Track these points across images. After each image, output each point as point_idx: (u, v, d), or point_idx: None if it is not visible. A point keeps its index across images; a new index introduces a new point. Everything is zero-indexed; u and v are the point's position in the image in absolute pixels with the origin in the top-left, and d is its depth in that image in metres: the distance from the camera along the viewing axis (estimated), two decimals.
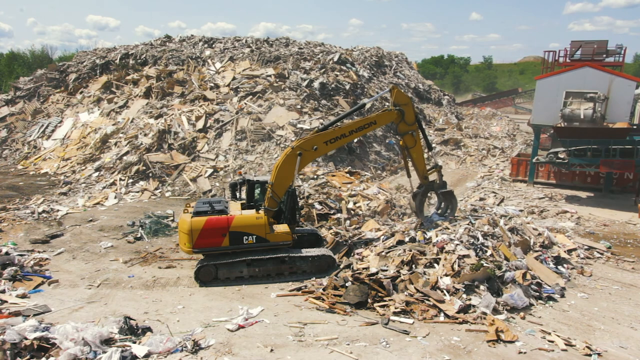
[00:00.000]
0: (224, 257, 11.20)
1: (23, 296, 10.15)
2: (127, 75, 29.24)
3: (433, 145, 29.05)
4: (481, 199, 18.83)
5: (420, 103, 37.33)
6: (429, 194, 14.15)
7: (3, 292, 10.16)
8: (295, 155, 11.46)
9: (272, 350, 8.18)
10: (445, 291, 10.01)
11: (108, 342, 7.97)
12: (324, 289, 10.59)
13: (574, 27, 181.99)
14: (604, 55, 23.16)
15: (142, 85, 27.57)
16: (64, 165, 22.71)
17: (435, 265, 10.88)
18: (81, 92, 29.31)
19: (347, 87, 26.73)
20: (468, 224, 12.44)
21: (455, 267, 10.55)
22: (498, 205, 17.52)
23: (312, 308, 9.91)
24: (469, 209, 15.13)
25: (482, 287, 10.06)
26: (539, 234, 13.01)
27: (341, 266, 11.71)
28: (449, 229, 12.30)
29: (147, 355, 7.78)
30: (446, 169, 25.99)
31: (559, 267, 11.79)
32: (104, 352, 7.55)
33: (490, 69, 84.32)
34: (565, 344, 8.52)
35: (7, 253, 11.77)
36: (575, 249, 12.99)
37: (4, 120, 28.13)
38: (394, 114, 12.41)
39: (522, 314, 9.61)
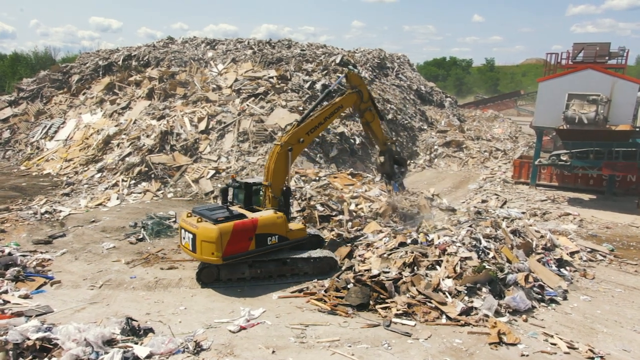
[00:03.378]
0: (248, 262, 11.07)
1: (25, 297, 10.17)
2: (129, 76, 29.32)
3: (435, 147, 29.09)
4: (483, 201, 18.81)
5: (422, 105, 37.34)
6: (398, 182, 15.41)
7: (6, 292, 10.18)
8: (286, 152, 11.74)
9: (273, 351, 8.18)
10: (447, 293, 9.99)
11: (110, 342, 7.97)
12: (325, 291, 10.58)
13: (577, 29, 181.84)
14: (607, 58, 23.14)
15: (144, 86, 27.64)
16: (66, 166, 22.77)
17: (437, 267, 10.86)
18: (84, 94, 29.40)
19: None
20: (470, 226, 12.42)
21: (458, 269, 10.53)
22: (500, 207, 17.49)
23: (313, 310, 9.90)
24: (472, 211, 15.09)
25: (484, 289, 10.05)
26: (542, 237, 12.99)
27: (343, 268, 11.70)
28: (451, 230, 12.28)
29: (149, 356, 7.78)
30: (448, 171, 26.00)
31: (562, 269, 11.76)
32: (106, 352, 7.55)
33: (492, 71, 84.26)
34: (568, 347, 8.49)
35: (9, 253, 11.79)
36: (577, 252, 12.96)
37: (7, 122, 28.23)
38: (354, 95, 13.47)
39: (524, 316, 9.59)
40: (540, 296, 10.36)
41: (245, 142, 21.51)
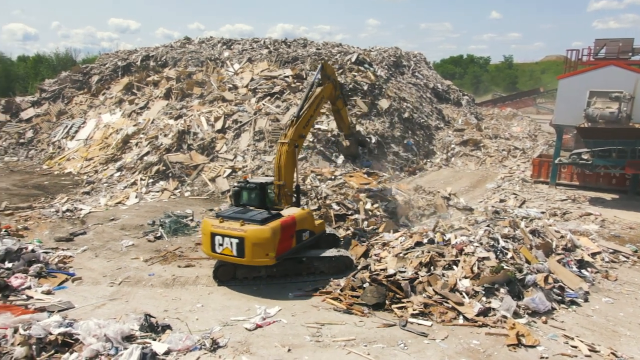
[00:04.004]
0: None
1: (48, 292, 10.40)
2: (147, 76, 29.74)
3: (452, 146, 28.79)
4: (501, 201, 18.55)
5: (439, 103, 36.98)
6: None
7: (29, 288, 10.42)
8: (294, 149, 11.96)
9: (289, 350, 8.21)
10: (464, 293, 9.88)
11: (129, 338, 8.10)
12: (341, 290, 10.57)
13: (598, 25, 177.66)
14: (630, 54, 22.58)
15: (162, 86, 28.01)
16: (87, 165, 23.21)
17: (454, 267, 10.74)
18: (103, 94, 29.92)
19: (365, 87, 26.64)
20: (488, 226, 12.26)
21: (475, 269, 10.40)
22: (519, 207, 17.22)
23: (329, 309, 9.90)
24: (490, 211, 14.90)
25: (502, 290, 9.90)
26: (562, 237, 12.74)
27: (359, 267, 11.67)
28: (469, 230, 12.14)
29: (167, 353, 7.89)
30: (465, 170, 25.69)
31: (583, 270, 11.52)
32: (125, 348, 7.68)
33: (510, 69, 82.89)
34: (589, 350, 8.32)
35: (33, 250, 12.07)
36: (599, 253, 12.68)
37: (30, 122, 28.92)
38: (331, 84, 14.51)
39: (544, 318, 9.42)
40: (560, 297, 10.17)
41: (261, 141, 21.61)
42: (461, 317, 9.33)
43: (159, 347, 7.92)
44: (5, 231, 13.46)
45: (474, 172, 25.33)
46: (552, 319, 9.48)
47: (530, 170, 23.41)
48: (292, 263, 11.34)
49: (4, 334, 7.92)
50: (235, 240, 10.31)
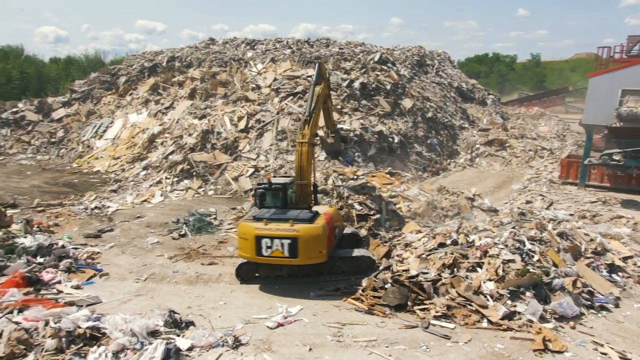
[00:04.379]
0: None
1: (77, 287, 10.71)
2: (173, 77, 30.28)
3: (476, 146, 28.32)
4: (528, 202, 18.11)
5: (464, 103, 36.42)
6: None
7: (59, 282, 10.76)
8: (312, 147, 12.11)
9: (310, 349, 8.22)
10: (488, 296, 9.69)
11: (154, 334, 8.27)
12: (362, 290, 10.53)
13: (631, 20, 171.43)
14: None
15: (187, 86, 28.47)
16: (114, 163, 23.80)
17: (478, 269, 10.56)
18: (130, 94, 30.61)
19: (388, 86, 26.46)
20: (514, 228, 12.00)
21: (500, 271, 10.20)
22: (546, 208, 16.78)
23: (350, 309, 9.88)
24: (515, 212, 14.58)
25: (528, 293, 9.68)
26: (591, 240, 12.35)
27: (381, 267, 11.60)
28: (493, 232, 11.91)
29: (190, 349, 8.01)
30: (490, 171, 25.23)
31: (613, 275, 11.13)
32: (150, 343, 7.83)
33: (538, 67, 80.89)
34: (620, 357, 8.05)
35: (63, 246, 12.45)
36: (631, 257, 12.21)
37: (60, 121, 29.83)
38: (325, 83, 14.90)
39: (571, 323, 9.16)
40: (589, 303, 9.86)
41: (283, 141, 21.72)
42: (485, 320, 9.16)
43: (182, 342, 8.06)
44: (37, 227, 13.91)
45: (499, 172, 24.84)
46: (581, 324, 9.21)
47: (558, 171, 22.81)
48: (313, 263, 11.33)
49: (35, 326, 8.19)
50: (287, 241, 10.23)
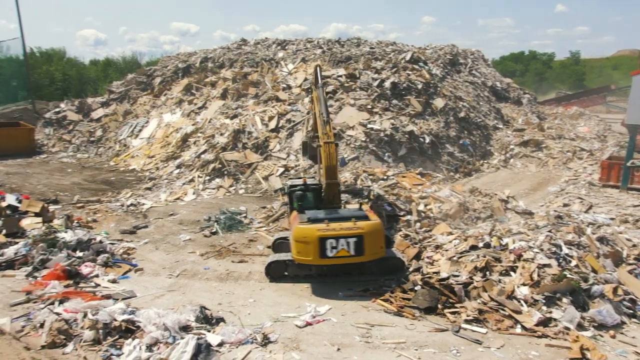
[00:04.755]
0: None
1: (113, 281, 11.06)
2: (205, 77, 30.87)
3: (511, 146, 27.58)
4: (565, 205, 17.48)
5: (498, 102, 35.53)
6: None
7: (97, 276, 11.15)
8: (335, 148, 11.97)
9: (338, 349, 8.20)
10: (522, 301, 9.42)
11: (185, 329, 8.45)
12: (392, 292, 10.42)
13: None
14: None
15: (219, 87, 28.97)
16: (149, 162, 24.48)
17: (512, 273, 10.27)
18: (165, 94, 31.41)
19: (420, 86, 26.11)
20: (550, 232, 11.61)
21: (535, 276, 9.88)
22: (585, 212, 16.15)
23: (379, 310, 9.80)
24: (552, 215, 14.10)
25: (565, 300, 9.34)
26: (634, 246, 11.80)
27: (410, 269, 11.46)
28: (528, 235, 11.56)
29: (220, 344, 8.14)
30: (525, 172, 24.51)
31: None
32: (182, 338, 8.00)
33: (577, 65, 77.94)
34: None
35: (100, 241, 12.90)
36: None
37: (99, 121, 30.92)
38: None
39: (612, 332, 8.77)
40: (631, 311, 9.42)
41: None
42: (519, 326, 8.90)
43: (213, 338, 8.20)
44: (77, 223, 14.48)
45: (535, 174, 24.10)
46: (622, 333, 8.80)
47: (598, 173, 21.91)
48: (342, 263, 11.30)
49: (75, 318, 8.53)
50: (352, 240, 10.22)
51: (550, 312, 9.11)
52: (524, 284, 9.76)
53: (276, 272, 11.44)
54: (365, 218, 10.70)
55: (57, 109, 32.22)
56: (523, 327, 8.84)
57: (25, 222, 13.73)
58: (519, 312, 9.17)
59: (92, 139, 29.32)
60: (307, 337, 8.61)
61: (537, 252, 10.57)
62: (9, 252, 12.02)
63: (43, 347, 7.86)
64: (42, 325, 8.44)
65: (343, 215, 10.77)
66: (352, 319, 9.32)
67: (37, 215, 14.25)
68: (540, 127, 31.05)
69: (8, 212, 14.21)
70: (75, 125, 30.82)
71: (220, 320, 9.06)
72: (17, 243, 12.46)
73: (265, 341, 8.34)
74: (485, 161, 25.63)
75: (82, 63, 57.72)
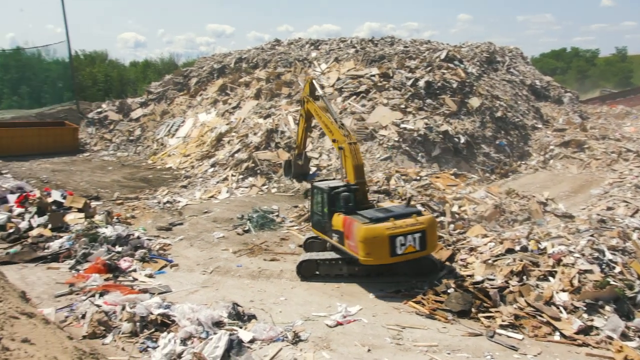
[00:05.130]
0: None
1: (150, 276, 11.41)
2: (240, 78, 31.36)
3: (550, 147, 26.62)
4: (609, 209, 16.68)
5: (537, 101, 34.36)
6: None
7: (134, 271, 11.53)
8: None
9: (369, 350, 8.15)
10: (561, 308, 9.07)
11: (218, 324, 8.61)
12: (424, 294, 10.27)
13: None
14: None
15: (253, 87, 29.37)
16: (184, 161, 25.10)
17: (550, 278, 9.91)
18: (200, 95, 32.11)
19: (455, 85, 25.59)
20: (592, 236, 11.12)
21: (575, 282, 9.50)
22: (631, 216, 15.36)
23: (411, 312, 9.67)
24: (594, 219, 13.50)
25: (607, 307, 8.93)
26: None
27: (443, 271, 11.25)
28: (568, 239, 11.13)
29: (252, 341, 8.25)
30: (565, 174, 23.59)
31: None
32: (215, 333, 8.15)
33: (624, 62, 74.32)
34: None
35: (138, 237, 13.35)
36: None
37: (138, 121, 31.96)
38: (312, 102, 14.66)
39: None
40: None
41: None
42: (557, 333, 8.59)
43: (244, 335, 8.32)
44: (116, 219, 15.03)
45: (576, 176, 23.14)
46: None
47: None
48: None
49: (114, 310, 8.85)
50: (417, 235, 10.42)
51: (592, 320, 8.74)
52: (563, 290, 9.41)
53: (307, 271, 11.49)
54: (420, 213, 10.95)
55: (99, 109, 33.53)
56: (562, 335, 8.52)
57: (69, 217, 14.38)
58: (558, 319, 8.84)
59: (131, 138, 30.32)
60: (338, 337, 8.60)
61: (578, 257, 10.16)
62: (54, 245, 12.63)
63: (84, 337, 8.18)
64: (83, 317, 8.81)
65: (403, 212, 10.84)
66: (383, 320, 9.24)
67: (80, 210, 14.89)
68: (582, 127, 29.79)
69: (53, 207, 14.92)
70: (115, 125, 31.97)
71: (252, 317, 9.18)
72: (61, 237, 13.06)
73: (296, 339, 8.39)
74: (523, 162, 24.84)
75: (122, 65, 59.84)
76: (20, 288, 8.44)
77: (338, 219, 11.14)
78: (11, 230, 13.67)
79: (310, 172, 18.60)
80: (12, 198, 15.52)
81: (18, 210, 14.87)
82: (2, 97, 39.36)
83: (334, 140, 12.87)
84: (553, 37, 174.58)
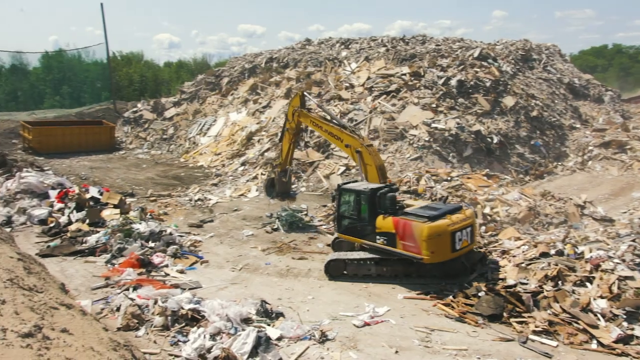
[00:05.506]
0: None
1: (181, 271, 11.67)
2: (270, 77, 31.66)
3: (589, 147, 25.61)
4: None
5: (575, 100, 33.13)
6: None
7: (166, 266, 11.83)
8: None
9: (396, 351, 8.07)
10: (599, 315, 8.72)
11: (246, 321, 8.72)
12: (454, 296, 10.09)
13: None
14: None
15: (283, 86, 29.58)
16: (215, 159, 25.55)
17: (588, 284, 9.54)
18: (232, 94, 32.60)
19: (488, 84, 24.99)
20: (634, 241, 10.64)
21: (614, 289, 9.11)
22: None
23: (440, 314, 9.52)
24: (636, 224, 12.92)
25: None
26: None
27: (474, 274, 11.01)
28: (608, 244, 10.68)
29: (279, 338, 8.31)
30: (605, 176, 22.64)
31: None
32: (243, 329, 8.27)
33: None
34: None
35: (170, 233, 13.67)
36: None
37: (171, 120, 32.75)
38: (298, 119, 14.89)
39: None
40: None
41: (375, 140, 21.59)
42: (595, 341, 8.25)
43: (272, 332, 8.39)
44: (150, 215, 15.45)
45: (617, 178, 22.17)
46: None
47: None
48: (402, 264, 11.12)
49: (146, 304, 9.11)
50: (469, 229, 10.76)
51: (632, 329, 8.36)
52: (601, 297, 9.04)
53: (335, 271, 11.48)
54: (461, 209, 11.07)
55: (134, 109, 34.57)
56: (600, 343, 8.18)
57: (106, 213, 14.89)
58: (595, 327, 8.50)
59: (164, 136, 31.10)
60: (365, 337, 8.55)
61: (617, 263, 9.74)
62: (91, 240, 13.12)
63: (118, 329, 8.46)
64: (118, 309, 9.11)
65: (452, 208, 11.01)
66: (411, 322, 9.13)
67: (115, 206, 15.40)
68: (624, 127, 28.49)
69: (91, 203, 15.49)
70: (150, 124, 32.87)
71: (280, 315, 9.25)
72: (98, 232, 13.56)
73: (323, 338, 8.39)
74: (560, 163, 24.01)
75: (157, 65, 61.55)
76: (60, 280, 8.80)
77: (386, 221, 10.85)
78: (52, 225, 14.30)
79: (293, 189, 18.19)
80: (53, 194, 16.23)
81: (58, 205, 15.54)
82: (45, 97, 41.21)
83: (347, 146, 12.67)
84: (594, 33, 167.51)
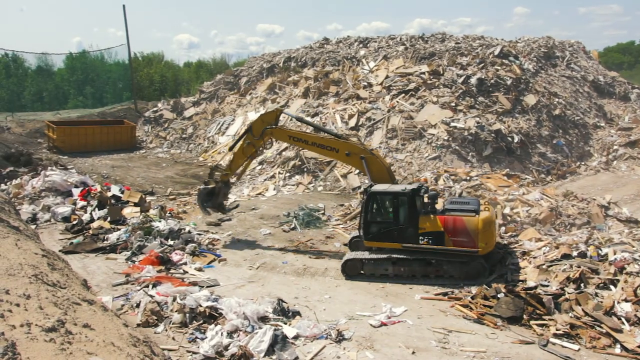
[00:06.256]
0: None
1: (199, 269, 11.82)
2: (288, 77, 31.76)
3: (614, 147, 24.96)
4: None
5: (600, 98, 32.32)
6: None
7: (185, 264, 11.99)
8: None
9: (413, 352, 8.00)
10: (623, 319, 8.48)
11: (263, 319, 8.77)
12: (472, 298, 9.95)
13: None
14: None
15: (301, 85, 29.64)
16: None
17: (612, 287, 9.30)
18: (250, 94, 32.83)
19: (509, 82, 24.57)
20: None
21: (639, 292, 8.85)
22: None
23: (458, 316, 9.40)
24: None
25: None
26: None
27: (493, 275, 10.85)
28: (633, 246, 10.39)
29: (296, 337, 8.33)
30: (631, 176, 22.02)
31: None
32: (260, 327, 8.31)
33: None
34: None
35: (189, 231, 13.86)
36: None
37: (191, 119, 33.17)
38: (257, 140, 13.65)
39: None
40: None
41: (393, 139, 21.48)
42: (618, 345, 8.03)
43: (289, 330, 8.42)
44: (169, 213, 15.69)
45: None
46: None
47: None
48: (420, 264, 11.03)
49: (165, 301, 9.25)
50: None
51: None
52: (625, 300, 8.79)
53: (352, 270, 11.45)
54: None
55: (154, 109, 35.13)
56: (624, 348, 7.96)
57: (126, 211, 15.18)
58: (619, 331, 8.27)
59: (184, 136, 31.52)
60: (382, 337, 8.51)
61: None
62: (113, 237, 13.39)
63: (138, 325, 8.60)
64: (137, 306, 9.27)
65: (478, 202, 11.36)
66: (428, 323, 9.05)
67: (136, 205, 15.69)
68: None
69: (113, 201, 15.81)
70: (169, 123, 33.37)
71: (297, 313, 9.28)
72: (119, 230, 13.83)
73: (340, 338, 8.38)
74: (583, 163, 23.46)
75: (177, 65, 62.34)
76: (82, 276, 9.00)
77: (432, 220, 10.71)
78: (75, 222, 14.65)
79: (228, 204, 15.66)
80: (76, 192, 16.63)
81: (81, 203, 15.91)
82: (69, 98, 42.24)
83: (347, 155, 12.27)
84: (620, 29, 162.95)
